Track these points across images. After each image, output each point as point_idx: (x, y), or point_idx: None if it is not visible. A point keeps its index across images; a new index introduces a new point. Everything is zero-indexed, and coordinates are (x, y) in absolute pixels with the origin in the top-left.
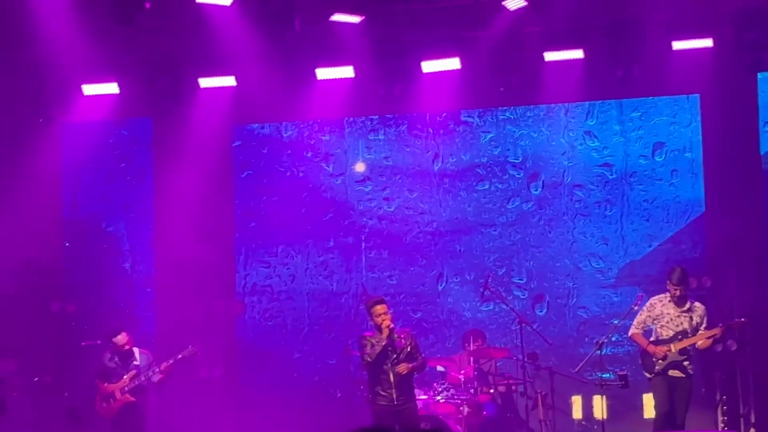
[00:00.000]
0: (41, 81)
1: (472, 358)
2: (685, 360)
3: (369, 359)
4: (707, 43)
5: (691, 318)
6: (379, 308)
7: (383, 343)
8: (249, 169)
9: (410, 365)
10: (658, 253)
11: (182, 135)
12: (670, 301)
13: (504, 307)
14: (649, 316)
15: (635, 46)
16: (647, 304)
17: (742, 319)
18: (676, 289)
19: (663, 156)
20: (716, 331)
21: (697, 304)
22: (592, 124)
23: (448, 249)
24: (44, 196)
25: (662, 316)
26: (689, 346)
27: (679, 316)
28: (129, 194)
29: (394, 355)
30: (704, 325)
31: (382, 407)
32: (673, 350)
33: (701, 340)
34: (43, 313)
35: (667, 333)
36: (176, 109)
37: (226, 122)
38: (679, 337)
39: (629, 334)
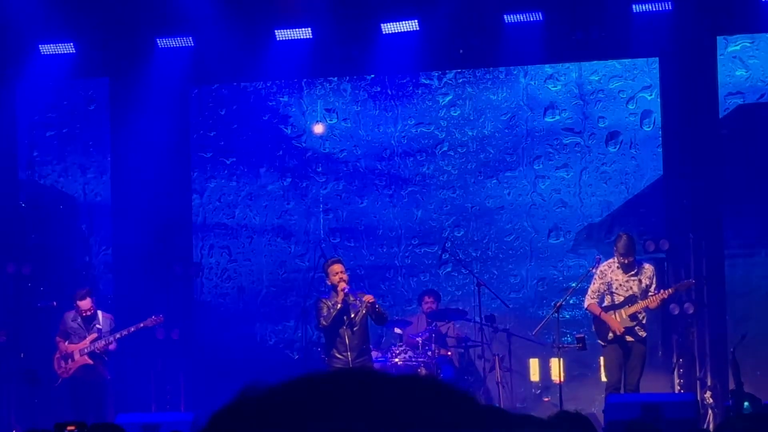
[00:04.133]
0: None
1: (428, 319)
2: (636, 325)
3: (324, 322)
4: (667, 5)
5: (640, 281)
6: (337, 267)
7: (339, 306)
8: (207, 130)
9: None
10: (616, 216)
11: (139, 95)
12: (618, 267)
13: (462, 270)
14: (603, 284)
15: (595, 8)
16: (598, 272)
17: (692, 280)
18: (625, 259)
19: (622, 119)
20: (665, 293)
21: (645, 265)
22: (551, 87)
23: (407, 211)
24: None
25: (612, 282)
26: (640, 310)
27: (627, 281)
28: (86, 155)
29: (349, 318)
30: (654, 286)
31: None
32: (624, 316)
33: (651, 303)
34: None
35: (617, 299)
36: (133, 69)
37: (184, 83)
38: (629, 302)
39: (585, 305)
